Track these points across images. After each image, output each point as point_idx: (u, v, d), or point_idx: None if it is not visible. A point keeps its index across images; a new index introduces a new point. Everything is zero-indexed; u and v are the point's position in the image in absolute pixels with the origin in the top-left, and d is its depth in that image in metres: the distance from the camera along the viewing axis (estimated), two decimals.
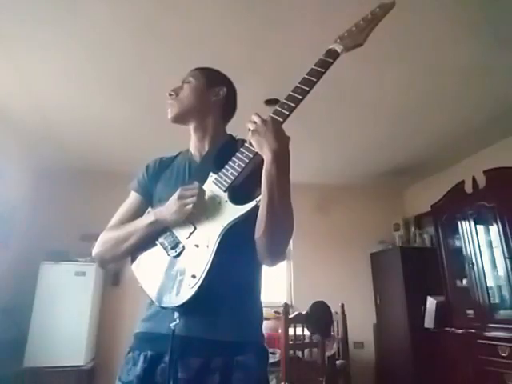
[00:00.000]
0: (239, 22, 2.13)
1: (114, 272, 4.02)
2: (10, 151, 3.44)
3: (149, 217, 0.96)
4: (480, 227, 3.30)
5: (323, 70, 0.91)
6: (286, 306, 2.46)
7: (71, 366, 3.29)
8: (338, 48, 0.94)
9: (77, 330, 3.40)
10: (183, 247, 0.89)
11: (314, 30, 2.12)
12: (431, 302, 3.70)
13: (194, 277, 0.83)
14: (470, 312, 3.26)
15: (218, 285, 0.83)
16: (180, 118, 1.09)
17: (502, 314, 3.02)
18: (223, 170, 0.92)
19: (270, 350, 2.34)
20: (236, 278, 0.90)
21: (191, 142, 1.13)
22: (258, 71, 2.55)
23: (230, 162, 0.92)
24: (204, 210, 0.89)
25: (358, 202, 4.86)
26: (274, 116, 0.90)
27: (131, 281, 1.00)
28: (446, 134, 3.42)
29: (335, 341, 2.83)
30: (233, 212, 0.87)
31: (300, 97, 0.89)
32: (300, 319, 2.45)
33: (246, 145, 0.91)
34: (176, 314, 0.86)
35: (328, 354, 2.53)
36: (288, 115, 0.89)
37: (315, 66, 0.92)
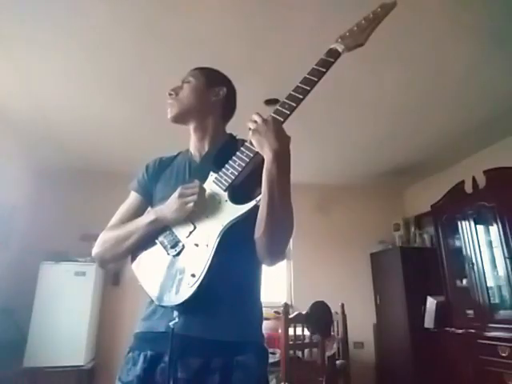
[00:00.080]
0: (239, 22, 2.13)
1: (114, 272, 4.02)
2: (10, 151, 3.44)
3: (149, 215, 0.96)
4: (480, 227, 3.30)
5: (324, 70, 0.91)
6: (286, 306, 2.46)
7: (71, 366, 3.29)
8: (339, 48, 0.94)
9: (77, 330, 3.40)
10: (183, 246, 0.89)
11: (314, 30, 2.13)
12: (431, 302, 3.70)
13: (193, 276, 0.83)
14: (470, 312, 3.26)
15: (217, 284, 0.83)
16: (180, 118, 1.09)
17: (502, 313, 3.02)
18: (223, 170, 0.92)
19: (270, 350, 2.34)
20: (236, 277, 0.90)
21: (191, 141, 1.13)
22: (258, 71, 2.55)
23: (230, 162, 0.92)
24: (204, 208, 0.89)
25: (357, 202, 4.86)
26: (274, 115, 0.89)
27: (131, 281, 1.00)
28: (446, 134, 3.42)
29: (335, 341, 2.83)
30: (233, 211, 0.87)
31: (301, 96, 0.89)
32: (300, 319, 2.45)
33: (247, 144, 0.91)
34: (175, 313, 0.86)
35: (328, 354, 2.53)
36: (289, 115, 0.89)
37: (316, 65, 0.92)
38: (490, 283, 3.15)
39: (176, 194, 0.90)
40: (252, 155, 0.89)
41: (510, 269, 2.90)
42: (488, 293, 3.11)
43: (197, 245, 0.87)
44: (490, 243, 3.21)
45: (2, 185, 3.26)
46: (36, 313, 3.34)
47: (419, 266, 3.98)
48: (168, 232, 0.92)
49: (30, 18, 2.06)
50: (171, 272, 0.88)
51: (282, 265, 4.49)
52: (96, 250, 1.03)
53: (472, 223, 3.33)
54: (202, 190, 0.90)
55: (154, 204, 1.05)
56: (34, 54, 2.37)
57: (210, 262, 0.83)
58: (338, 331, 2.96)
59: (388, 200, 4.95)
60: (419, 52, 2.35)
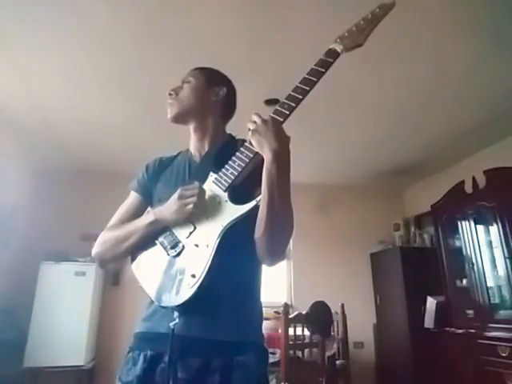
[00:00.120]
0: (239, 21, 2.13)
1: (114, 272, 4.02)
2: (10, 151, 3.44)
3: (148, 216, 0.96)
4: (480, 227, 3.30)
5: (323, 70, 0.91)
6: (286, 306, 2.46)
7: (71, 366, 3.29)
8: (338, 48, 0.94)
9: (77, 330, 3.40)
10: (183, 247, 0.89)
11: (314, 30, 2.13)
12: (431, 302, 3.70)
13: (193, 276, 0.83)
14: (470, 312, 3.26)
15: (217, 284, 0.83)
16: (180, 118, 1.09)
17: (502, 314, 3.02)
18: (223, 170, 0.92)
19: (270, 350, 2.34)
20: (236, 277, 0.90)
21: (191, 141, 1.13)
22: (258, 71, 2.55)
23: (230, 162, 0.91)
24: (204, 209, 0.89)
25: (357, 202, 4.86)
26: (274, 116, 0.89)
27: (131, 281, 1.00)
28: (446, 133, 3.42)
29: (335, 341, 2.83)
30: (233, 212, 0.87)
31: (300, 96, 0.89)
32: (300, 319, 2.45)
33: (246, 144, 0.91)
34: (176, 314, 0.86)
35: (328, 353, 2.53)
36: (288, 115, 0.89)
37: (315, 65, 0.92)
38: (490, 283, 3.15)
39: (176, 195, 0.90)
40: (252, 155, 0.89)
41: (510, 269, 2.90)
42: (488, 293, 3.11)
43: (197, 245, 0.87)
44: (490, 243, 3.21)
45: (2, 185, 3.26)
46: (36, 313, 3.34)
47: (419, 265, 3.98)
48: (168, 233, 0.92)
49: (30, 18, 2.06)
50: (171, 273, 0.88)
51: (282, 265, 4.49)
52: (96, 250, 1.03)
53: (472, 223, 3.33)
54: (202, 191, 0.89)
55: (154, 204, 1.04)
56: (34, 54, 2.37)
57: (210, 262, 0.83)
58: (337, 331, 2.96)
59: (388, 200, 4.95)
60: (419, 52, 2.35)
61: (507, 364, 2.70)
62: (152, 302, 0.91)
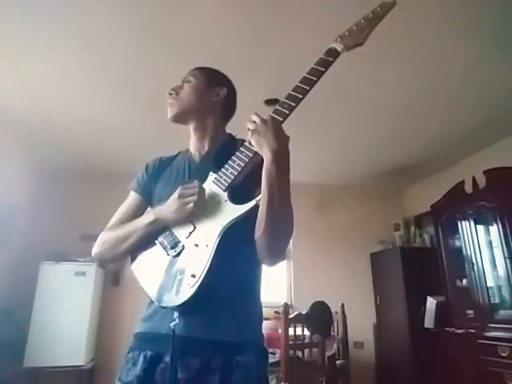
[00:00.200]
0: (239, 21, 2.13)
1: (114, 272, 4.02)
2: (10, 151, 3.44)
3: (148, 216, 0.95)
4: (480, 227, 3.30)
5: (323, 69, 0.91)
6: (286, 306, 2.46)
7: (71, 366, 3.29)
8: (339, 47, 0.93)
9: (77, 330, 3.40)
10: (183, 246, 0.89)
11: (314, 30, 2.12)
12: (431, 302, 3.70)
13: (193, 276, 0.83)
14: (470, 312, 3.26)
15: (217, 284, 0.83)
16: (180, 118, 1.09)
17: (502, 314, 3.02)
18: (223, 170, 0.92)
19: (270, 350, 2.34)
20: (236, 277, 0.90)
21: (191, 141, 1.13)
22: (258, 71, 2.55)
23: (229, 162, 0.91)
24: (204, 209, 0.89)
25: (357, 202, 4.86)
26: (273, 115, 0.89)
27: (131, 281, 1.00)
28: (446, 134, 3.42)
29: (335, 341, 2.83)
30: (232, 211, 0.87)
31: (300, 96, 0.89)
32: (300, 319, 2.45)
33: (246, 144, 0.90)
34: (176, 314, 0.86)
35: (328, 354, 2.53)
36: (288, 114, 0.89)
37: (315, 65, 0.92)
38: (490, 283, 3.15)
39: (176, 194, 0.89)
40: (251, 155, 0.89)
41: (510, 269, 2.89)
42: (488, 293, 3.11)
43: (197, 245, 0.87)
44: (490, 243, 3.21)
45: (2, 185, 3.26)
46: (36, 313, 3.34)
47: (419, 265, 3.97)
48: (168, 232, 0.92)
49: (30, 18, 2.06)
50: (171, 273, 0.88)
51: (282, 265, 4.49)
52: (96, 250, 1.03)
53: (472, 223, 3.33)
54: (202, 190, 0.89)
55: (154, 204, 1.04)
56: (34, 54, 2.37)
57: (210, 262, 0.83)
58: (338, 331, 2.96)
59: (388, 200, 4.95)
60: (419, 52, 2.35)
61: (507, 364, 2.70)
62: (152, 302, 0.91)
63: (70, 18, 2.07)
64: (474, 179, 3.36)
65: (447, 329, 3.42)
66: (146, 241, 0.95)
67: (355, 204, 4.84)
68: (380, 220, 4.76)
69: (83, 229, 3.70)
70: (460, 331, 3.25)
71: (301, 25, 2.13)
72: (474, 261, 3.27)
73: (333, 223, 4.72)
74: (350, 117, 3.17)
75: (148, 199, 1.09)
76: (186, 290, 0.83)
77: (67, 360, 3.29)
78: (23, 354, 3.19)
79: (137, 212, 1.06)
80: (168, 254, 0.90)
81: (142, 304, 0.98)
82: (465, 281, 3.40)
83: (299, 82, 0.91)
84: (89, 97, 2.85)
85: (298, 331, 2.44)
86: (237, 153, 0.91)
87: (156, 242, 0.93)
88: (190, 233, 0.90)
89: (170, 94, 1.10)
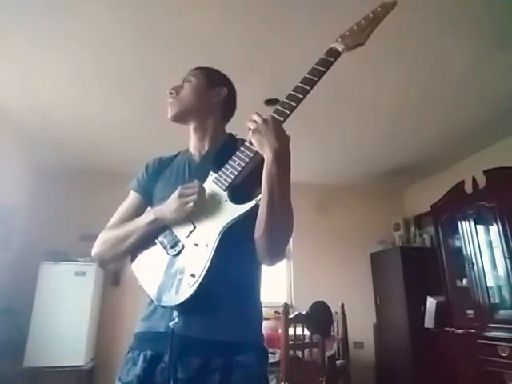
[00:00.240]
0: (239, 21, 2.13)
1: (114, 272, 4.02)
2: (10, 151, 3.44)
3: (148, 215, 0.95)
4: (480, 227, 3.30)
5: (324, 69, 0.91)
6: (286, 306, 2.46)
7: (71, 366, 3.29)
8: (339, 47, 0.93)
9: (77, 330, 3.40)
10: (183, 246, 0.89)
11: (314, 30, 2.12)
12: (431, 302, 3.70)
13: (193, 276, 0.83)
14: (470, 312, 3.26)
15: (217, 284, 0.83)
16: (180, 117, 1.09)
17: (502, 314, 3.02)
18: (223, 169, 0.92)
19: (270, 350, 2.34)
20: (235, 277, 0.90)
21: (191, 141, 1.13)
22: (258, 71, 2.55)
23: (229, 161, 0.91)
24: (204, 208, 0.89)
25: (357, 202, 4.86)
26: (274, 115, 0.89)
27: (131, 280, 1.00)
28: (446, 133, 3.42)
29: (335, 341, 2.83)
30: (232, 211, 0.87)
31: (301, 96, 0.89)
32: (300, 319, 2.45)
33: (246, 144, 0.90)
34: (175, 313, 0.86)
35: (328, 354, 2.53)
36: (289, 114, 0.89)
37: (316, 65, 0.92)
38: (490, 283, 3.15)
39: (176, 193, 0.89)
40: (252, 155, 0.89)
41: (510, 269, 2.89)
42: (488, 293, 3.11)
43: (197, 245, 0.87)
44: (490, 243, 3.21)
45: (2, 185, 3.26)
46: (36, 313, 3.34)
47: (419, 265, 3.98)
48: (168, 232, 0.92)
49: (30, 18, 2.06)
50: (171, 272, 0.88)
51: (282, 265, 4.49)
52: (95, 249, 1.03)
53: (472, 223, 3.33)
54: (202, 189, 0.89)
55: (154, 204, 1.04)
56: (34, 54, 2.37)
57: (209, 261, 0.83)
58: (338, 331, 2.96)
59: (388, 200, 4.95)
60: (419, 52, 2.35)
61: (507, 364, 2.70)
62: (152, 301, 0.91)
63: (70, 18, 2.07)
64: (474, 179, 3.36)
65: (447, 329, 3.42)
66: (146, 240, 0.95)
67: (355, 204, 4.84)
68: (380, 220, 4.76)
69: (83, 229, 3.70)
70: (460, 331, 3.25)
71: (301, 25, 2.13)
72: (474, 261, 3.27)
73: (333, 223, 4.72)
74: (351, 117, 3.17)
75: (148, 199, 1.09)
76: (186, 290, 0.83)
77: (67, 360, 3.29)
78: (23, 354, 3.19)
79: (137, 212, 1.06)
80: (168, 254, 0.91)
81: (142, 303, 0.98)
82: (465, 281, 3.40)
83: (300, 82, 0.91)
84: (89, 97, 2.85)
85: (298, 331, 2.44)
86: (237, 152, 0.91)
87: (156, 241, 0.93)
88: (190, 232, 0.90)
89: (171, 93, 1.10)
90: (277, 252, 0.91)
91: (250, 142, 0.89)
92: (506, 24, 2.11)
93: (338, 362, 2.76)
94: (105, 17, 2.07)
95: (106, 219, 1.10)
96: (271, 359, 2.33)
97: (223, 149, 1.01)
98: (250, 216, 0.87)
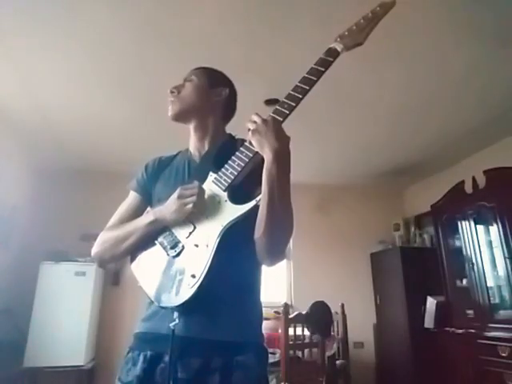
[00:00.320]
0: (239, 21, 2.13)
1: (114, 272, 4.02)
2: (10, 151, 3.44)
3: (148, 216, 0.95)
4: (480, 227, 3.30)
5: (323, 69, 0.91)
6: (286, 306, 2.46)
7: (71, 366, 3.29)
8: (339, 47, 0.93)
9: (77, 330, 3.40)
10: (183, 247, 0.89)
11: (314, 30, 2.12)
12: (431, 302, 3.70)
13: (193, 276, 0.83)
14: (470, 312, 3.26)
15: (217, 284, 0.83)
16: (181, 116, 1.09)
17: (502, 314, 3.02)
18: (223, 170, 0.92)
19: (270, 350, 2.34)
20: (236, 277, 0.90)
21: (191, 141, 1.13)
22: (258, 71, 2.55)
23: (229, 162, 0.91)
24: (203, 209, 0.89)
25: (358, 202, 4.86)
26: (274, 115, 0.89)
27: (131, 281, 1.00)
28: (446, 133, 3.42)
29: (335, 341, 2.83)
30: (232, 211, 0.87)
31: (300, 96, 0.89)
32: (300, 319, 2.45)
33: (246, 144, 0.90)
34: (175, 314, 0.86)
35: (328, 354, 2.53)
36: (288, 114, 0.89)
37: (315, 64, 0.92)
38: (490, 283, 3.15)
39: (175, 194, 0.89)
40: (251, 155, 0.89)
41: (510, 269, 2.89)
42: (488, 293, 3.11)
43: (197, 245, 0.87)
44: (490, 243, 3.21)
45: (2, 185, 3.26)
46: (36, 313, 3.34)
47: (419, 265, 3.98)
48: (168, 233, 0.92)
49: (30, 18, 2.06)
50: (171, 273, 0.88)
51: (282, 265, 4.49)
52: (95, 249, 1.03)
53: (472, 223, 3.33)
54: (202, 190, 0.89)
55: (154, 204, 1.04)
56: (34, 54, 2.37)
57: (210, 262, 0.83)
58: (338, 331, 2.96)
59: (388, 200, 4.95)
60: (419, 52, 2.35)
61: (507, 364, 2.70)
62: (152, 302, 0.91)
63: (70, 18, 2.07)
64: (474, 179, 3.36)
65: (447, 329, 3.42)
66: (146, 241, 0.95)
67: (355, 204, 4.84)
68: (380, 220, 4.76)
69: (83, 229, 3.70)
70: (460, 331, 3.25)
71: (300, 25, 2.13)
72: (474, 261, 3.27)
73: (333, 223, 4.72)
74: (350, 117, 3.17)
75: (148, 199, 1.09)
76: (186, 291, 0.83)
77: (67, 360, 3.29)
78: (23, 354, 3.19)
79: (136, 212, 1.06)
80: (168, 254, 0.90)
81: (142, 304, 0.98)
82: (465, 281, 3.40)
83: (299, 82, 0.90)
84: (89, 97, 2.85)
85: (298, 331, 2.44)
86: (237, 153, 0.91)
87: (156, 242, 0.93)
88: (190, 233, 0.89)
89: (172, 92, 1.09)
90: (277, 252, 0.91)
91: (250, 143, 0.89)
92: (506, 24, 2.11)
93: (337, 361, 2.76)
94: (105, 17, 2.07)
95: (105, 219, 1.10)
96: (271, 359, 2.33)
97: (223, 149, 1.01)
98: (250, 216, 0.86)
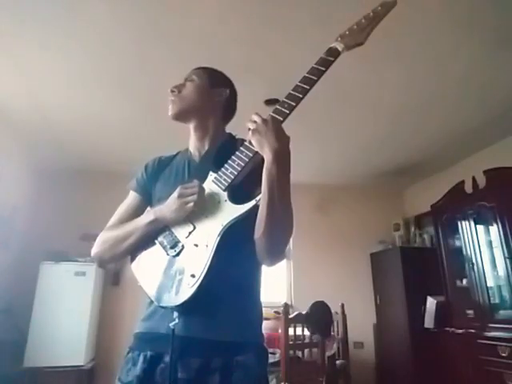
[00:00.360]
0: (239, 21, 2.13)
1: (114, 272, 4.02)
2: (10, 151, 3.44)
3: (148, 216, 0.95)
4: (480, 227, 3.30)
5: (324, 69, 0.90)
6: (286, 306, 2.46)
7: (71, 366, 3.29)
8: (339, 46, 0.93)
9: (77, 330, 3.40)
10: (182, 246, 0.89)
11: (314, 30, 2.12)
12: (431, 302, 3.70)
13: (193, 276, 0.83)
14: (470, 312, 3.26)
15: (217, 284, 0.83)
16: (181, 116, 1.08)
17: (502, 314, 3.02)
18: (223, 169, 0.91)
19: (270, 350, 2.34)
20: (235, 277, 0.90)
21: (190, 141, 1.13)
22: (257, 71, 2.55)
23: (229, 161, 0.91)
24: (203, 208, 0.89)
25: (357, 202, 4.86)
26: (274, 115, 0.89)
27: (131, 281, 1.00)
28: (446, 133, 3.42)
29: (335, 341, 2.83)
30: (232, 211, 0.86)
31: (300, 95, 0.89)
32: (300, 319, 2.45)
33: (246, 144, 0.90)
34: (175, 314, 0.86)
35: (328, 353, 2.53)
36: (288, 114, 0.89)
37: (316, 64, 0.92)
38: (490, 283, 3.15)
39: (175, 194, 0.89)
40: (251, 155, 0.89)
41: (510, 269, 2.89)
42: (488, 293, 3.11)
43: (196, 245, 0.87)
44: (490, 243, 3.21)
45: (2, 185, 3.26)
46: (36, 313, 3.34)
47: (419, 265, 3.98)
48: (167, 232, 0.92)
49: (30, 17, 2.06)
50: (171, 272, 0.88)
51: (282, 265, 4.49)
52: (95, 249, 1.03)
53: (472, 223, 3.33)
54: (202, 189, 0.89)
55: (154, 203, 1.04)
56: (34, 54, 2.37)
57: (209, 262, 0.83)
58: (338, 331, 2.96)
59: (388, 200, 4.95)
60: (419, 52, 2.34)
61: (507, 364, 2.70)
62: (152, 301, 0.91)
63: (70, 18, 2.07)
64: (474, 179, 3.36)
65: (447, 329, 3.42)
66: (146, 240, 0.95)
67: (355, 204, 4.84)
68: (380, 220, 4.76)
69: (83, 229, 3.70)
70: (460, 331, 3.25)
71: (301, 25, 2.13)
72: (474, 261, 3.27)
73: (333, 223, 4.72)
74: (350, 117, 3.17)
75: (147, 199, 1.09)
76: (186, 290, 0.83)
77: (67, 360, 3.29)
78: (23, 354, 3.19)
79: (136, 211, 1.06)
80: (168, 254, 0.90)
81: (142, 304, 0.98)
82: (465, 281, 3.39)
83: (299, 82, 0.90)
84: (89, 97, 2.85)
85: (298, 331, 2.44)
86: (237, 152, 0.91)
87: (156, 241, 0.93)
88: (190, 232, 0.89)
89: (172, 91, 1.09)
90: (277, 252, 0.91)
91: (250, 142, 0.88)
92: (506, 24, 2.11)
93: (337, 361, 2.76)
94: (105, 17, 2.07)
95: (105, 219, 1.10)
96: (271, 359, 2.33)
97: (223, 149, 1.01)
98: (250, 216, 0.86)
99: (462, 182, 3.50)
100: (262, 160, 0.85)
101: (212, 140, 1.09)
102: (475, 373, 2.98)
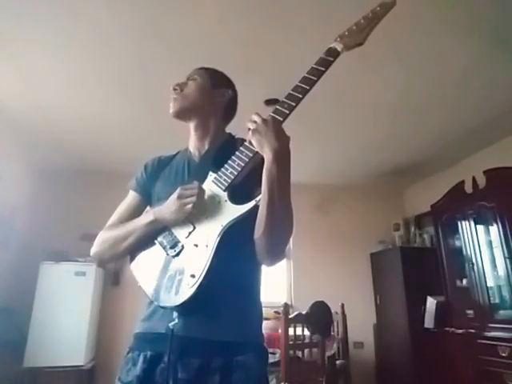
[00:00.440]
0: (239, 21, 2.13)
1: (113, 272, 4.01)
2: (10, 151, 3.43)
3: (148, 216, 0.95)
4: (480, 227, 3.30)
5: (323, 69, 0.91)
6: (286, 306, 2.46)
7: (71, 366, 3.29)
8: (339, 47, 0.93)
9: (77, 330, 3.40)
10: (182, 246, 0.89)
11: (314, 30, 2.12)
12: (431, 302, 3.70)
13: (193, 276, 0.83)
14: (470, 312, 3.26)
15: (217, 284, 0.83)
16: (182, 114, 1.08)
17: (502, 314, 3.02)
18: (223, 169, 0.91)
19: (270, 350, 2.34)
20: (235, 277, 0.90)
21: (190, 140, 1.13)
22: (258, 71, 2.55)
23: (229, 161, 0.91)
24: (203, 209, 0.89)
25: (357, 202, 4.86)
26: (274, 115, 0.89)
27: (131, 281, 1.00)
28: (446, 133, 3.42)
29: (335, 341, 2.83)
30: (232, 211, 0.87)
31: (300, 96, 0.89)
32: (300, 319, 2.45)
33: (246, 144, 0.90)
34: (175, 314, 0.86)
35: (328, 354, 2.53)
36: (288, 114, 0.89)
37: (315, 64, 0.92)
38: (490, 283, 3.15)
39: (175, 195, 0.89)
40: (251, 155, 0.89)
41: (510, 269, 2.89)
42: (488, 293, 3.11)
43: (196, 245, 0.87)
44: (490, 243, 3.21)
45: (2, 185, 3.26)
46: (36, 313, 3.34)
47: (419, 265, 3.98)
48: (167, 232, 0.92)
49: (30, 18, 2.06)
50: (170, 273, 0.88)
51: (282, 265, 4.49)
52: (95, 249, 1.03)
53: (472, 223, 3.33)
54: (201, 190, 0.89)
55: (153, 203, 1.04)
56: (34, 54, 2.37)
57: (209, 262, 0.83)
58: (338, 331, 2.96)
59: (388, 200, 4.95)
60: (419, 52, 2.34)
61: (507, 364, 2.70)
62: (151, 302, 0.91)
63: (70, 18, 2.07)
64: (474, 179, 3.36)
65: (447, 329, 3.42)
66: (146, 240, 0.95)
67: (355, 204, 4.84)
68: (380, 220, 4.76)
69: (83, 229, 3.69)
70: (460, 331, 3.25)
71: (300, 25, 2.13)
72: (474, 261, 3.27)
73: (333, 223, 4.72)
74: (350, 117, 3.17)
75: (147, 198, 1.09)
76: (186, 290, 0.83)
77: (67, 360, 3.29)
78: (23, 354, 3.19)
79: (136, 211, 1.06)
80: (167, 254, 0.90)
81: (142, 304, 0.98)
82: (465, 281, 3.39)
83: (299, 82, 0.90)
84: (89, 97, 2.85)
85: (298, 331, 2.44)
86: (237, 152, 0.91)
87: (155, 241, 0.93)
88: (190, 233, 0.89)
89: (175, 89, 1.09)
90: (277, 252, 0.91)
91: (250, 142, 0.89)
92: (506, 24, 2.11)
93: (337, 362, 2.76)
94: (105, 17, 2.07)
95: (105, 219, 1.10)
96: (271, 359, 2.33)
97: (223, 149, 1.01)
98: (250, 216, 0.86)
99: (462, 182, 3.50)
100: (262, 160, 0.85)
101: (212, 140, 1.09)
102: (475, 373, 2.98)
